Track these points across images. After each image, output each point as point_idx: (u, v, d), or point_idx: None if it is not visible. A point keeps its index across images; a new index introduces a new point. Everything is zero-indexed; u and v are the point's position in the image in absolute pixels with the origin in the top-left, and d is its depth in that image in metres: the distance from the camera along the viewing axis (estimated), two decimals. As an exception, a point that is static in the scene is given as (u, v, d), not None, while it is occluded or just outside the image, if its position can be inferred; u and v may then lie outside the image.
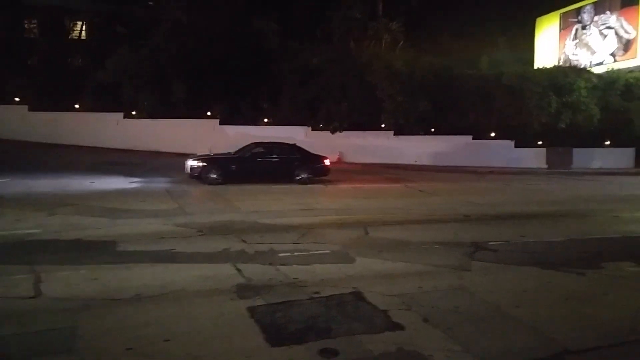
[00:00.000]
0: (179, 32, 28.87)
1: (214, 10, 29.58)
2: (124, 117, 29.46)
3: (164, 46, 28.70)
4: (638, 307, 5.62)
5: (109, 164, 20.60)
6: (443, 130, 28.08)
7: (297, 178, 17.23)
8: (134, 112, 29.51)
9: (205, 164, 16.67)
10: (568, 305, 5.59)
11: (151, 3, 32.12)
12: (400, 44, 33.05)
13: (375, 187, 17.40)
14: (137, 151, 27.18)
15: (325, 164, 18.11)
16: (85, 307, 5.20)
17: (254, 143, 18.40)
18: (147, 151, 27.41)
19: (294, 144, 18.97)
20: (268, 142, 18.97)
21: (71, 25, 36.13)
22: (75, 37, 36.24)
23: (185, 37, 28.68)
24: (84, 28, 36.35)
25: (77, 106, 29.90)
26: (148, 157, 24.85)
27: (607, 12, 35.46)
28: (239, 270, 6.51)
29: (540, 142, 27.63)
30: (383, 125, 28.46)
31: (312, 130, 28.76)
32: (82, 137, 28.79)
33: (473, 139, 27.95)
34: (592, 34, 36.72)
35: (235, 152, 17.94)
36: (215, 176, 16.36)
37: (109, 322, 4.85)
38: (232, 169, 16.87)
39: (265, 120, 29.48)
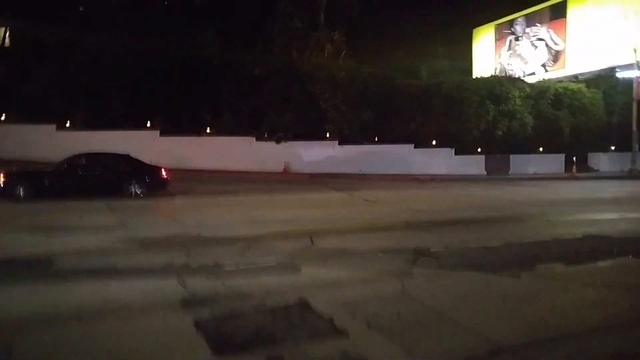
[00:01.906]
0: (115, 40, 28.03)
1: (151, 20, 29.02)
2: (57, 129, 28.22)
3: (97, 58, 27.72)
4: (565, 305, 5.97)
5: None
6: (386, 139, 28.68)
7: (129, 192, 15.77)
8: (67, 124, 28.35)
9: (8, 178, 14.70)
10: (504, 307, 5.85)
11: (81, 9, 30.95)
12: (343, 53, 33.55)
13: (321, 197, 17.50)
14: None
15: (162, 175, 16.76)
16: (20, 328, 5.00)
17: (77, 154, 16.42)
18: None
19: (128, 154, 17.30)
20: (94, 153, 17.20)
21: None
22: (-3, 45, 34.00)
23: (122, 46, 27.88)
24: (7, 35, 34.18)
25: (2, 118, 28.10)
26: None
27: (538, 24, 37.27)
28: (183, 284, 6.41)
29: (479, 149, 28.65)
30: (328, 135, 28.76)
31: (257, 140, 28.74)
32: (10, 150, 27.25)
33: (415, 147, 28.68)
34: (524, 45, 38.50)
35: (56, 165, 16.10)
36: (22, 192, 14.41)
37: (46, 341, 4.69)
38: (44, 184, 14.96)
39: (208, 131, 29.19)
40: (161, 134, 28.38)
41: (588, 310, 5.79)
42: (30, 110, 27.53)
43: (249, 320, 5.19)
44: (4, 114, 28.19)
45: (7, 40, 34.31)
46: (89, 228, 10.55)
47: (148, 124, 28.76)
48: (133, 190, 15.84)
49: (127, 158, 17.05)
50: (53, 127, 27.94)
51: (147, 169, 17.01)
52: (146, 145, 27.59)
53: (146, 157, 25.97)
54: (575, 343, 4.85)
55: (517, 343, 4.75)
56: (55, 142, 27.63)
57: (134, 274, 6.90)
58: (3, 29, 34.16)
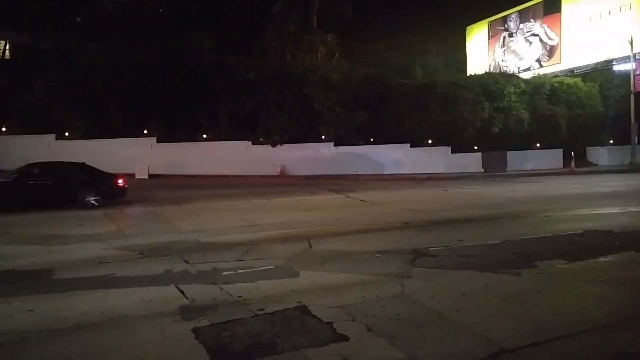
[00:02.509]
0: (110, 49, 28.16)
1: (145, 28, 29.08)
2: (57, 139, 28.41)
3: (94, 66, 27.89)
4: (567, 303, 5.91)
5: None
6: (381, 139, 28.70)
7: (84, 202, 15.27)
8: (67, 134, 28.52)
9: None
10: (505, 306, 5.81)
11: (79, 20, 31.16)
12: (337, 55, 33.54)
13: (318, 200, 17.46)
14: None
15: (119, 183, 16.25)
16: (21, 340, 4.97)
17: (30, 164, 16.11)
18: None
19: (83, 163, 17.03)
20: (46, 163, 16.87)
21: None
22: (-2, 57, 34.47)
23: (117, 55, 28.05)
24: (7, 47, 34.67)
25: (3, 129, 28.51)
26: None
27: (532, 20, 37.32)
28: (182, 291, 6.40)
29: (475, 147, 28.64)
30: (323, 137, 28.75)
31: (253, 144, 28.77)
32: (10, 162, 27.32)
33: (411, 146, 28.67)
34: (518, 41, 38.53)
35: (5, 176, 15.48)
36: None
37: (47, 354, 4.66)
38: None
39: (204, 136, 29.21)
40: (158, 141, 28.49)
41: (590, 308, 5.76)
42: (30, 121, 27.85)
43: (249, 327, 5.15)
44: (4, 126, 28.42)
45: (7, 52, 34.53)
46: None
47: (145, 132, 28.81)
48: (88, 199, 15.33)
49: (82, 166, 16.64)
50: (53, 137, 28.22)
51: (103, 177, 16.48)
52: (143, 152, 27.69)
53: (145, 165, 26.15)
54: (579, 342, 4.77)
55: (520, 344, 4.69)
56: (55, 152, 27.77)
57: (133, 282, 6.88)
58: (3, 42, 34.38)
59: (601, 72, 33.03)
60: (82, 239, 10.31)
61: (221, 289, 6.48)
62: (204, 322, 5.28)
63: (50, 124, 28.19)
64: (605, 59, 31.61)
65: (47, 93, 27.81)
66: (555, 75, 33.04)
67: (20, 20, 30.86)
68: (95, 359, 4.52)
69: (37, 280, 7.16)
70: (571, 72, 33.40)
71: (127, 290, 6.54)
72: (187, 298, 6.13)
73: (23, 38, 31.82)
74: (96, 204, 15.34)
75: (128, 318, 5.52)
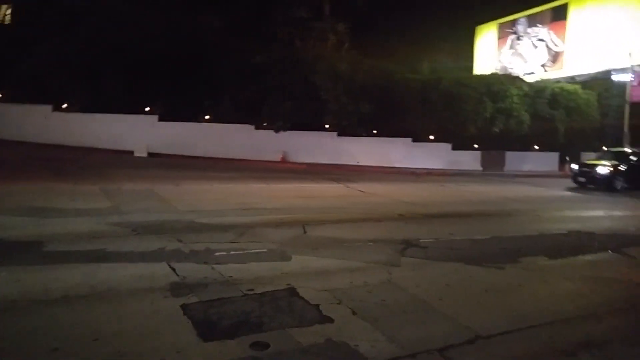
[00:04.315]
0: (115, 22, 27.73)
1: (152, 2, 28.74)
2: (53, 110, 28.05)
3: (98, 38, 27.43)
4: (543, 296, 6.25)
5: (39, 160, 19.76)
6: (384, 132, 28.79)
7: None
8: (64, 105, 28.16)
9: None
10: (485, 297, 6.05)
11: None
12: (346, 45, 33.41)
13: (317, 187, 17.61)
14: (70, 147, 25.94)
15: None
16: (7, 309, 5.01)
17: None
18: (81, 147, 26.20)
19: None
20: None
21: (-5, 8, 33.42)
22: (-1, 22, 33.43)
23: (122, 29, 27.57)
24: (8, 12, 33.88)
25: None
26: (81, 154, 23.89)
27: (539, 25, 37.38)
28: (173, 269, 6.49)
29: (476, 145, 28.76)
30: (327, 126, 28.80)
31: (256, 129, 28.82)
32: (5, 130, 27.04)
33: (413, 141, 28.79)
34: (525, 45, 38.58)
35: None
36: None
37: (34, 323, 4.72)
38: None
39: (207, 117, 29.18)
40: (159, 119, 28.41)
41: (564, 301, 6.08)
42: (27, 90, 27.34)
43: (237, 306, 5.28)
44: (0, 93, 27.93)
45: (7, 17, 33.97)
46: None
47: (147, 109, 28.68)
48: None
49: None
50: (49, 108, 27.81)
51: None
52: (144, 130, 27.65)
53: (144, 142, 26.13)
54: (549, 332, 5.08)
55: (494, 331, 4.95)
56: (51, 124, 27.60)
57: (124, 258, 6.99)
58: (5, 7, 33.84)
59: (600, 81, 33.31)
60: (76, 213, 10.23)
61: (213, 268, 6.59)
62: (193, 299, 5.39)
63: (49, 95, 27.66)
64: (606, 68, 31.82)
65: (46, 62, 27.22)
66: (557, 80, 33.21)
67: None
68: (82, 330, 4.56)
69: (27, 252, 7.11)
70: (572, 79, 33.64)
71: (117, 265, 6.58)
72: (178, 275, 6.23)
73: (24, 3, 31.09)
74: None
75: (117, 292, 5.57)
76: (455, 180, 22.32)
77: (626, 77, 30.22)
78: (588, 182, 20.82)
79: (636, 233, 11.15)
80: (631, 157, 21.31)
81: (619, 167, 20.45)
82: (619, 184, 20.06)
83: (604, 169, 20.29)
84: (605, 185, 20.07)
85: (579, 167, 21.68)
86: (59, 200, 11.70)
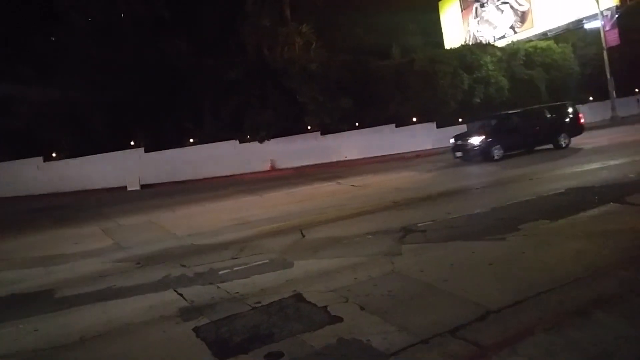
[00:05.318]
0: (87, 66, 27.99)
1: (120, 39, 28.90)
2: (44, 161, 28.22)
3: (74, 83, 27.66)
4: (549, 260, 6.20)
5: (37, 211, 19.75)
6: (367, 122, 28.89)
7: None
8: (54, 154, 28.34)
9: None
10: (490, 270, 6.06)
11: (53, 39, 30.86)
12: (313, 45, 33.41)
13: (309, 190, 17.62)
14: (65, 193, 26.07)
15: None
16: (29, 360, 5.09)
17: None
18: (75, 191, 26.34)
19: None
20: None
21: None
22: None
23: (95, 70, 27.79)
24: None
25: None
26: (77, 198, 23.93)
27: (499, -13, 37.35)
28: (180, 294, 6.56)
29: (460, 120, 28.83)
30: (309, 127, 28.85)
31: (240, 142, 28.81)
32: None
33: (396, 126, 28.87)
34: (490, 10, 38.69)
35: None
36: None
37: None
38: None
39: (191, 140, 29.20)
40: (146, 151, 28.38)
41: (570, 263, 6.04)
42: (15, 146, 27.48)
43: (246, 320, 5.34)
44: None
45: None
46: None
47: (132, 143, 28.72)
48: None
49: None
50: (40, 159, 27.94)
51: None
52: (132, 163, 27.63)
53: (135, 176, 26.05)
54: (558, 296, 5.05)
55: (504, 304, 4.94)
56: (44, 174, 27.65)
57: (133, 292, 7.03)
58: None
59: (573, 32, 33.46)
60: (80, 256, 10.31)
61: (218, 287, 6.65)
62: (203, 321, 5.45)
63: (37, 147, 27.80)
64: (576, 18, 31.98)
65: (30, 116, 27.46)
66: (529, 40, 33.31)
67: None
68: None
69: (39, 301, 7.22)
70: (544, 36, 33.76)
71: (128, 300, 6.68)
72: (186, 300, 6.31)
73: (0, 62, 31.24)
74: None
75: (131, 325, 5.67)
76: (445, 159, 22.22)
77: (598, 24, 30.35)
78: (464, 156, 19.32)
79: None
80: (504, 122, 19.73)
81: (493, 135, 18.81)
82: (496, 153, 18.46)
83: (477, 139, 18.82)
84: (482, 156, 18.75)
85: (455, 140, 20.10)
86: (62, 246, 11.75)
